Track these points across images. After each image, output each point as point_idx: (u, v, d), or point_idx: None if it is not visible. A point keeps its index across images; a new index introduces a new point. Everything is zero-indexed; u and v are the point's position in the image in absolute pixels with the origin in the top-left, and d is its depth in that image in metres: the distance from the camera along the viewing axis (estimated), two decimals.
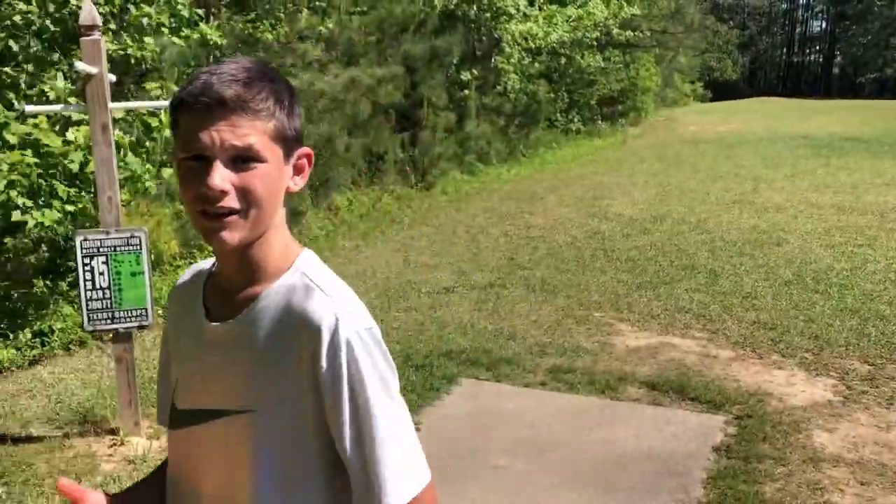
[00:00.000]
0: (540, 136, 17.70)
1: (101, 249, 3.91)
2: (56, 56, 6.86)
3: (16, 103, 5.89)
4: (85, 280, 3.91)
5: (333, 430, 1.09)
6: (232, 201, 1.06)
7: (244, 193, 1.07)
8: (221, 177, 1.04)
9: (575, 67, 19.38)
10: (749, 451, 3.78)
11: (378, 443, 1.08)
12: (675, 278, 6.90)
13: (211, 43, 7.77)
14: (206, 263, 1.25)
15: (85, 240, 3.90)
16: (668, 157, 16.47)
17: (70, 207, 5.57)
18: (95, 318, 3.95)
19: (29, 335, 5.60)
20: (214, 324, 1.16)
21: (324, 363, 1.07)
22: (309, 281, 1.14)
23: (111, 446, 3.99)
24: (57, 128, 5.87)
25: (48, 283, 6.31)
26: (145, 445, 3.97)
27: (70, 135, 5.49)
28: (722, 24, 48.05)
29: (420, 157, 12.90)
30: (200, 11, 7.95)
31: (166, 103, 4.27)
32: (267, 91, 1.08)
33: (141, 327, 4.03)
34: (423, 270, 7.49)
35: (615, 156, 17.27)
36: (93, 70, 3.74)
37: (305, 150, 1.17)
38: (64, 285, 6.42)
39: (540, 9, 17.42)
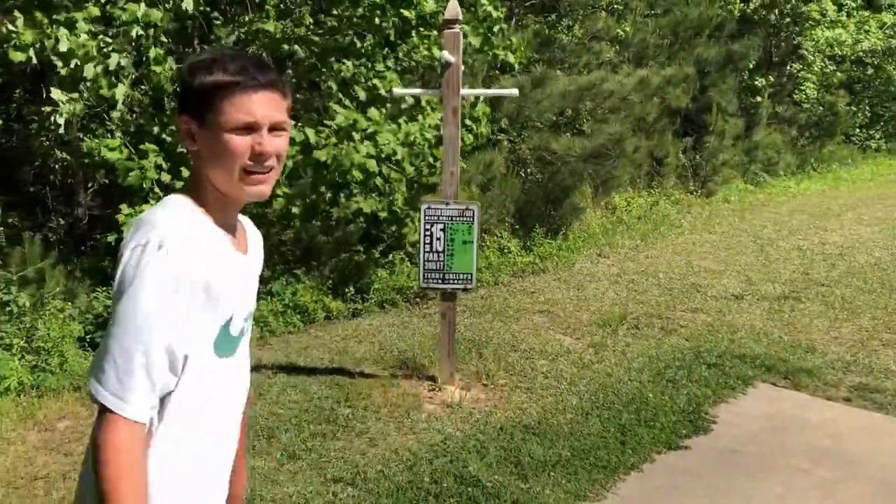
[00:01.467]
0: (834, 151, 16.36)
1: (440, 218, 4.44)
2: (385, 50, 7.70)
3: (360, 95, 6.64)
4: (424, 243, 4.47)
5: None
6: (273, 161, 1.39)
7: (278, 155, 1.40)
8: (270, 143, 1.37)
9: (883, 79, 17.63)
10: None
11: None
12: None
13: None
14: (191, 225, 1.38)
15: (428, 208, 4.45)
16: None
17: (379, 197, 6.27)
18: (429, 277, 4.49)
19: (353, 291, 6.43)
20: (242, 253, 1.50)
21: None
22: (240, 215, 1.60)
23: (431, 390, 4.53)
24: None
25: (364, 250, 7.18)
26: (460, 394, 4.45)
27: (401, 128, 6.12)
28: None
29: (703, 164, 12.59)
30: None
31: (512, 91, 4.70)
32: (281, 77, 1.42)
33: (465, 290, 4.52)
34: (708, 275, 7.39)
35: None
36: (452, 59, 4.25)
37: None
38: (376, 253, 7.26)
39: (849, 15, 16.12)
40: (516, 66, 7.30)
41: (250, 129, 1.35)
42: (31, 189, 7.23)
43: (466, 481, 3.47)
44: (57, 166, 6.92)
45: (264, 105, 1.36)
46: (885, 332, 5.72)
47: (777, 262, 7.91)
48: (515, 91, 4.65)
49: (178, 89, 1.35)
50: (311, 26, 6.85)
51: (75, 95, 4.32)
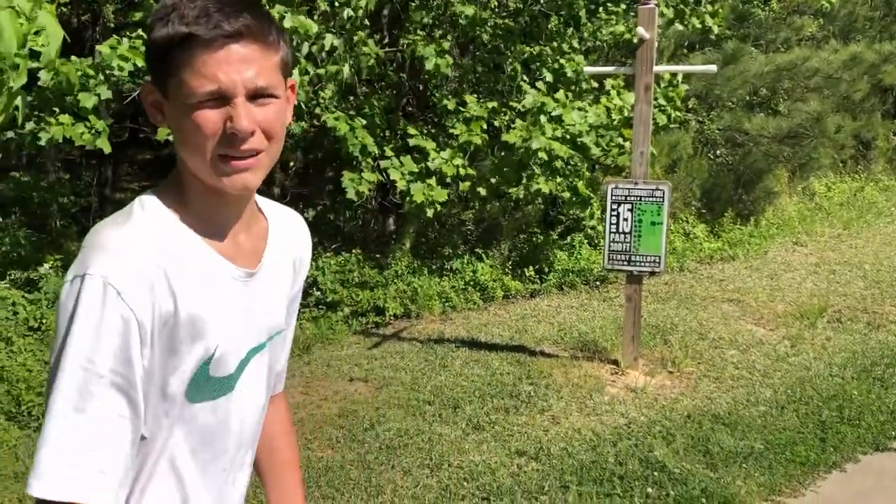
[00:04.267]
0: None
1: (628, 198, 4.35)
2: (570, 30, 7.59)
3: (547, 76, 6.59)
4: (610, 224, 4.40)
5: None
6: (257, 142, 0.99)
7: (265, 132, 1.00)
8: (248, 117, 0.97)
9: None
10: None
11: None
12: None
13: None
14: (147, 238, 1.00)
15: (616, 188, 4.38)
16: None
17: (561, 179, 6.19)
18: (615, 258, 4.42)
19: (532, 271, 6.46)
20: (247, 269, 1.09)
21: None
22: (278, 207, 1.23)
23: (613, 374, 4.47)
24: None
25: (542, 231, 7.18)
26: (645, 379, 4.36)
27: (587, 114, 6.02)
28: None
29: None
30: None
31: (710, 68, 4.50)
32: (268, 19, 1.01)
33: (653, 273, 4.41)
34: None
35: None
36: (647, 35, 4.14)
37: (291, 80, 1.08)
38: (554, 234, 7.23)
39: None
40: (715, 30, 6.94)
41: (220, 98, 0.97)
42: None
43: (652, 465, 3.40)
44: None
45: (234, 65, 0.96)
46: None
47: None
48: (714, 67, 4.45)
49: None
50: (496, 8, 6.91)
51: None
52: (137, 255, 0.97)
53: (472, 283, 6.17)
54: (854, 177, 10.56)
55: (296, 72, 4.61)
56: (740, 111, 8.99)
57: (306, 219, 1.31)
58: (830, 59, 9.56)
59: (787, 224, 8.36)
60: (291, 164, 7.34)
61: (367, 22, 5.29)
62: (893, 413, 3.92)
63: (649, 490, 3.22)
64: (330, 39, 4.55)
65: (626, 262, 4.41)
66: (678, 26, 7.14)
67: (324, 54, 4.88)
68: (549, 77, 6.26)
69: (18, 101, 1.92)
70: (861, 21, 11.30)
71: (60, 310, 0.95)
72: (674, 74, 6.13)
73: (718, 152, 8.98)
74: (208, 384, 1.05)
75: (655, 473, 3.34)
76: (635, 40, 4.37)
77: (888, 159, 11.37)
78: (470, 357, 4.76)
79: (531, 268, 6.51)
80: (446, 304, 5.88)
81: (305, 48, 4.53)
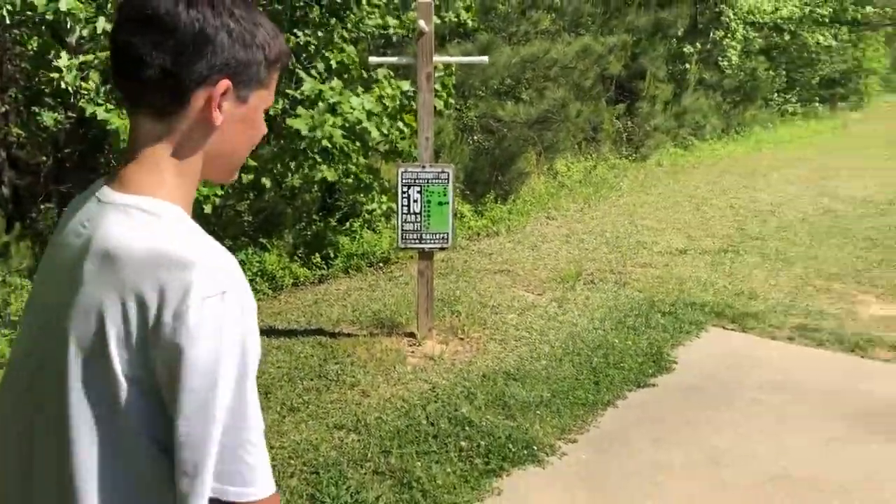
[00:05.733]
0: (755, 115, 17.19)
1: (416, 181, 4.65)
2: (333, 20, 7.76)
3: (319, 66, 6.69)
4: (402, 205, 4.67)
5: None
6: None
7: None
8: None
9: (798, 45, 18.53)
10: None
11: None
12: None
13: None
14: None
15: (405, 171, 4.65)
16: None
17: (342, 167, 6.38)
18: (407, 238, 4.71)
19: (318, 258, 6.58)
20: None
21: None
22: None
23: (411, 345, 4.77)
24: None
25: (321, 219, 7.31)
26: (440, 348, 4.71)
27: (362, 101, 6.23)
28: None
29: (636, 129, 13.09)
30: None
31: (482, 59, 4.91)
32: None
33: (442, 248, 4.75)
34: (651, 233, 7.83)
35: (836, 140, 16.48)
36: (426, 28, 4.44)
37: None
38: (333, 221, 7.41)
39: None
40: (470, 24, 7.49)
41: None
42: None
43: (461, 422, 3.74)
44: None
45: None
46: (817, 279, 6.25)
47: (713, 220, 8.42)
48: (486, 58, 4.88)
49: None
50: None
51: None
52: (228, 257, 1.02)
53: (259, 273, 6.16)
54: (588, 157, 11.88)
55: (64, 55, 4.31)
56: (492, 99, 9.75)
57: None
58: (566, 50, 10.65)
59: (539, 201, 9.25)
60: (44, 158, 6.75)
61: None
62: (646, 355, 4.64)
63: (462, 444, 3.56)
64: (102, 23, 4.30)
65: (418, 241, 4.71)
66: (437, 19, 7.61)
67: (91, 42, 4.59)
68: (320, 66, 6.39)
69: None
70: (585, 16, 12.68)
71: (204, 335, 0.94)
72: (447, 65, 6.54)
73: (476, 138, 9.66)
74: None
75: (465, 429, 3.68)
76: (411, 35, 4.66)
77: (613, 140, 12.92)
78: (271, 344, 4.80)
79: (317, 254, 6.63)
80: None
81: (78, 31, 4.24)
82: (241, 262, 6.16)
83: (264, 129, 1.12)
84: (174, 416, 0.94)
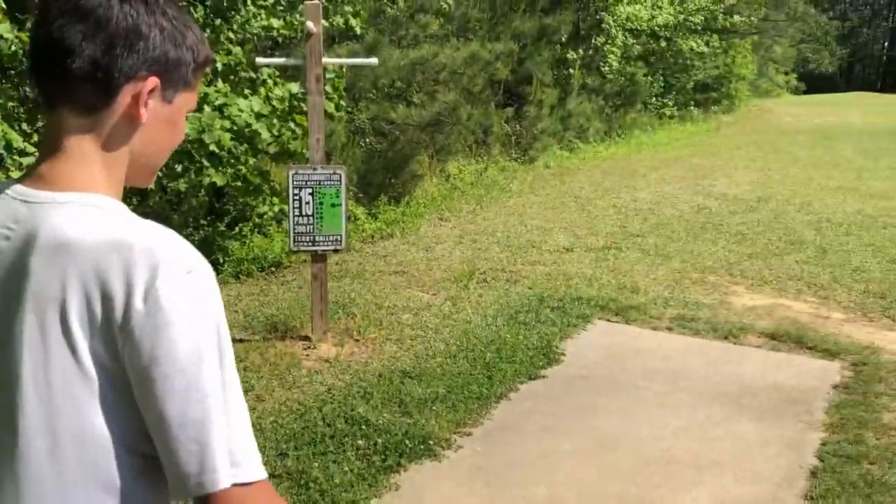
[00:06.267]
0: (635, 118, 17.99)
1: (308, 182, 4.63)
2: (218, 21, 7.62)
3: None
4: (293, 207, 4.64)
5: None
6: None
7: None
8: None
9: (674, 51, 19.52)
10: (867, 388, 4.27)
11: None
12: (784, 251, 7.30)
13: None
14: None
15: (296, 174, 4.62)
16: (765, 144, 16.56)
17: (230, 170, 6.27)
18: (300, 240, 4.68)
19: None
20: None
21: None
22: None
23: (306, 349, 4.74)
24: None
25: (208, 224, 7.15)
26: (336, 350, 4.70)
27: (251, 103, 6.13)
28: (822, 13, 46.55)
29: (524, 132, 13.44)
30: None
31: (371, 61, 4.93)
32: None
33: (336, 250, 4.75)
34: (540, 232, 8.07)
35: (710, 141, 17.44)
36: (314, 29, 4.43)
37: None
38: (222, 226, 7.26)
39: None
40: (358, 31, 7.51)
41: None
42: None
43: (357, 422, 3.76)
44: None
45: None
46: (693, 273, 6.62)
47: (597, 219, 8.77)
48: (375, 60, 4.90)
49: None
50: None
51: None
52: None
53: None
54: (478, 159, 12.11)
55: None
56: (383, 102, 9.79)
57: None
58: (454, 55, 10.82)
59: (432, 203, 9.36)
60: None
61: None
62: (537, 349, 4.80)
63: (359, 443, 3.58)
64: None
65: (311, 243, 4.69)
66: (325, 23, 7.59)
67: None
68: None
69: None
70: (473, 22, 12.92)
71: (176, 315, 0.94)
72: (341, 67, 6.53)
73: (368, 140, 9.68)
74: None
75: (362, 428, 3.71)
76: (298, 36, 4.63)
77: (503, 143, 13.22)
78: None
79: (207, 260, 6.47)
80: None
81: None
82: None
83: (183, 135, 1.12)
84: (160, 402, 0.92)
